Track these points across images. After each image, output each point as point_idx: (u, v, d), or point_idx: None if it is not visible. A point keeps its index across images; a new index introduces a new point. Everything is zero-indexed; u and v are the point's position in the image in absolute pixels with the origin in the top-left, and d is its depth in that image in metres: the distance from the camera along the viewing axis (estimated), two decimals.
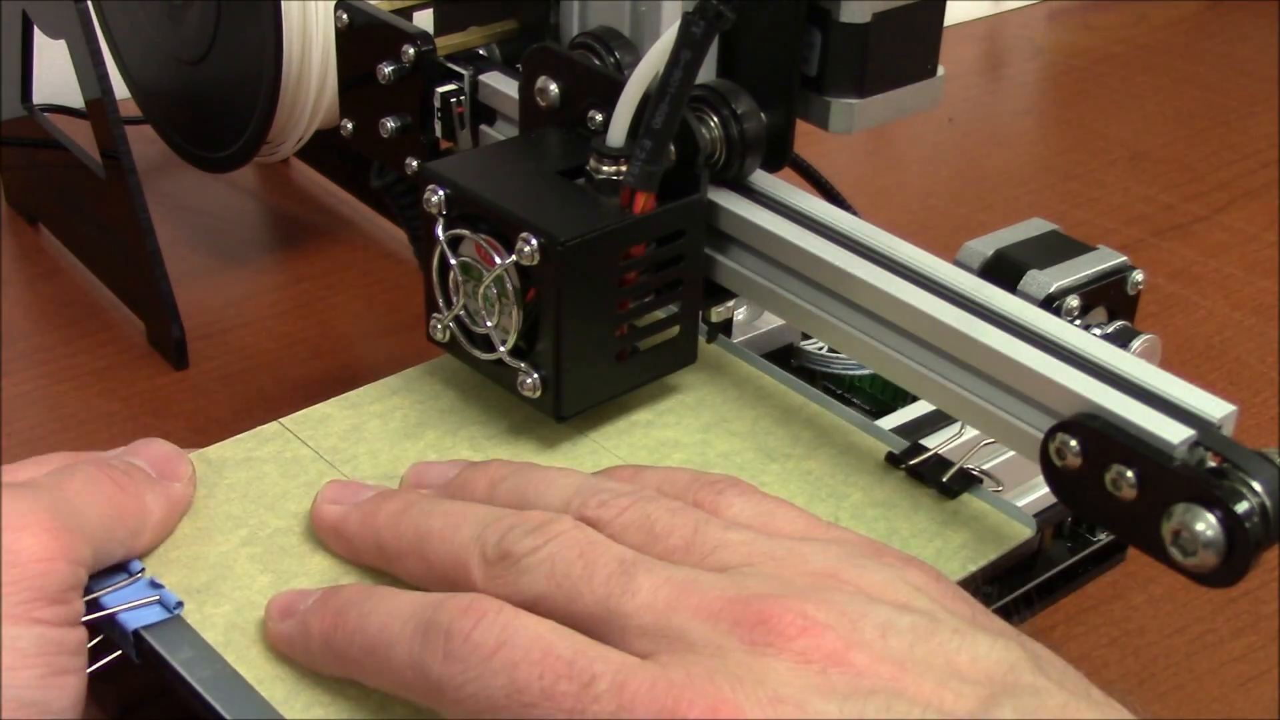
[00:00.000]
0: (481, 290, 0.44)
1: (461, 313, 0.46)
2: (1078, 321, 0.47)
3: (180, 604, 0.40)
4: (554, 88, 0.48)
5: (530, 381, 0.44)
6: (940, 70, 0.51)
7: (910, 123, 0.83)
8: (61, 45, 0.69)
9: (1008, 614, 0.54)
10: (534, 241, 0.42)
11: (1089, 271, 0.48)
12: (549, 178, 0.46)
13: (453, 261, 0.45)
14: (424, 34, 0.52)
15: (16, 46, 0.74)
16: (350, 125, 0.55)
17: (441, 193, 0.45)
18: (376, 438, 0.46)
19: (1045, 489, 0.48)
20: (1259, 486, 0.35)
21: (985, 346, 0.41)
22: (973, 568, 0.42)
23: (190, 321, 0.69)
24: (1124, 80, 1.04)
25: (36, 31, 0.73)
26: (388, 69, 0.52)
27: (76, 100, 0.71)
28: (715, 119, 0.47)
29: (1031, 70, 1.06)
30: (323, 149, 0.75)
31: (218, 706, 0.37)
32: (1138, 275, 0.49)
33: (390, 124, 0.53)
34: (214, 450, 0.46)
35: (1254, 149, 0.95)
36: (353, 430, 0.47)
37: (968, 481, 0.45)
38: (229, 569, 0.41)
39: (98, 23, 0.70)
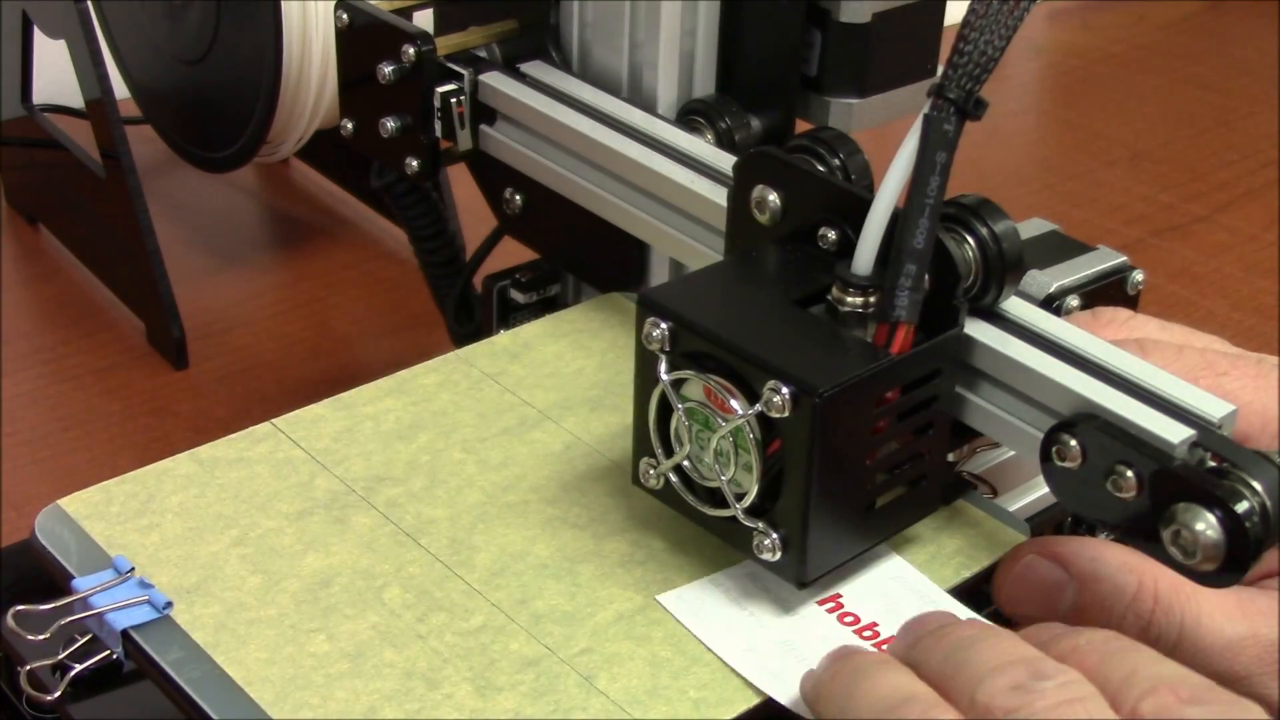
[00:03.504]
0: (715, 443, 0.39)
1: (683, 461, 0.41)
2: None
3: (169, 604, 0.40)
4: (774, 199, 0.43)
5: (769, 542, 0.39)
6: (940, 70, 0.51)
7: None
8: (61, 45, 0.69)
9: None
10: (785, 391, 0.37)
11: (1089, 271, 0.48)
12: (785, 309, 0.40)
13: (679, 407, 0.40)
14: (424, 34, 0.52)
15: (16, 46, 0.74)
16: (350, 125, 0.55)
17: (664, 326, 0.39)
18: (369, 439, 0.46)
19: (1038, 493, 0.48)
20: (1259, 486, 0.35)
21: (985, 346, 0.41)
22: (966, 573, 0.42)
23: (190, 321, 0.69)
24: (1124, 80, 1.04)
25: (36, 31, 0.73)
26: (388, 69, 0.52)
27: (76, 100, 0.71)
28: (972, 239, 0.41)
29: (1031, 70, 1.06)
30: (323, 149, 0.75)
31: (206, 707, 0.37)
32: (1138, 275, 0.49)
33: (390, 124, 0.53)
34: (206, 450, 0.46)
35: (1254, 149, 0.95)
36: (345, 432, 0.46)
37: (962, 487, 0.44)
38: (219, 569, 0.41)
39: (98, 23, 0.70)
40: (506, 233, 0.57)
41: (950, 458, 0.43)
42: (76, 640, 0.42)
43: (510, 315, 0.58)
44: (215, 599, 0.40)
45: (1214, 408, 0.38)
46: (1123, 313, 0.44)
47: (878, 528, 0.41)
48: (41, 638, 0.40)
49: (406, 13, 0.54)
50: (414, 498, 0.44)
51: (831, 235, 0.42)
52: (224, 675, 0.38)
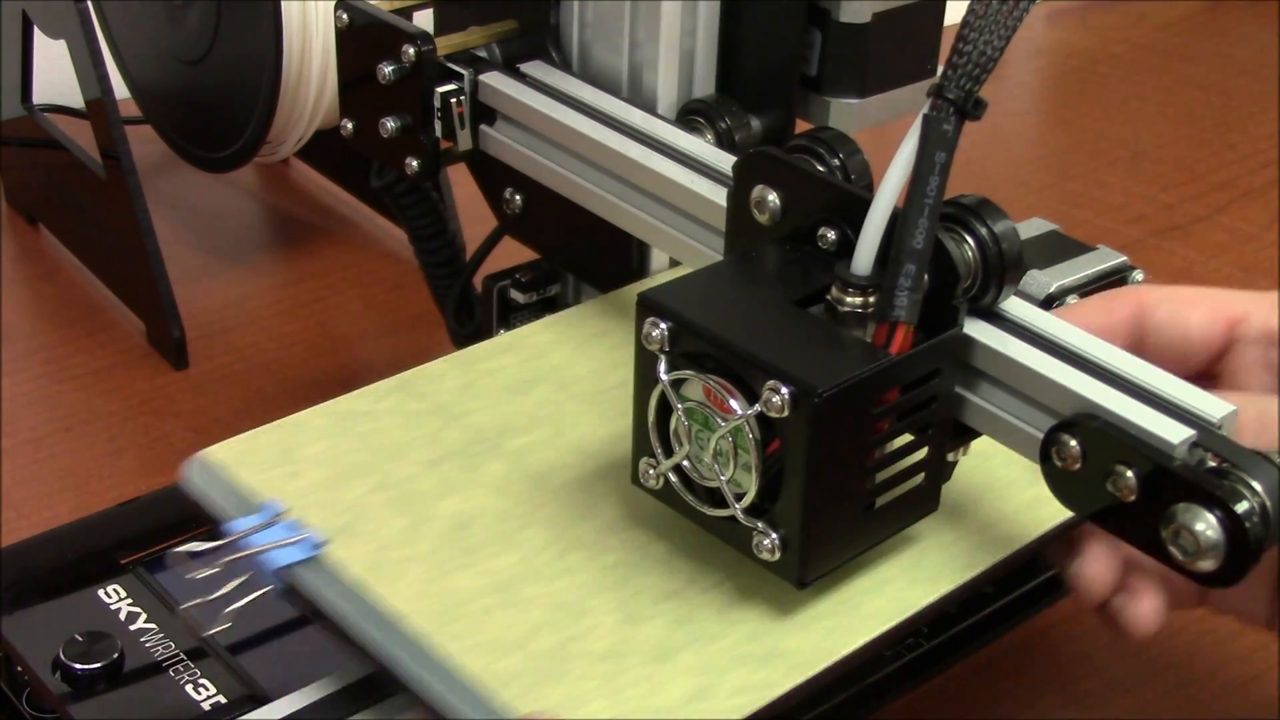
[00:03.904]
0: (714, 443, 0.39)
1: (683, 461, 0.41)
2: None
3: (323, 543, 0.42)
4: (774, 199, 0.43)
5: (769, 543, 0.39)
6: (940, 70, 0.51)
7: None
8: (61, 45, 0.69)
9: (1008, 614, 0.54)
10: (784, 391, 0.37)
11: (1089, 271, 0.48)
12: (785, 309, 0.40)
13: (679, 407, 0.40)
14: (424, 34, 0.52)
15: (16, 46, 0.74)
16: (350, 125, 0.55)
17: (664, 326, 0.39)
18: (488, 393, 0.48)
19: None
20: (1259, 486, 0.35)
21: (985, 346, 0.41)
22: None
23: (190, 321, 0.69)
24: (1124, 80, 1.04)
25: (36, 31, 0.73)
26: (388, 69, 0.52)
27: (76, 100, 0.71)
28: (971, 239, 0.40)
29: (1031, 70, 1.06)
30: (323, 149, 0.75)
31: (370, 636, 0.40)
32: (1138, 275, 0.49)
33: (390, 124, 0.53)
34: (336, 404, 0.48)
35: (1254, 149, 0.95)
36: (465, 386, 0.48)
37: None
38: (364, 513, 0.43)
39: (98, 23, 0.70)
40: (506, 233, 0.57)
41: (950, 458, 0.43)
42: (236, 577, 0.43)
43: (510, 315, 0.58)
44: (364, 539, 0.42)
45: (1214, 408, 0.38)
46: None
47: (877, 528, 0.41)
48: (208, 573, 0.42)
49: (406, 13, 0.54)
50: (540, 446, 0.46)
51: (831, 235, 0.42)
52: (382, 607, 0.40)
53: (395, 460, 0.45)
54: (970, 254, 0.40)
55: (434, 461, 0.45)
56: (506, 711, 0.37)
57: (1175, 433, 0.37)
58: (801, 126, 0.49)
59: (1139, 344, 0.44)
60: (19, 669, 0.45)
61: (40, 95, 0.77)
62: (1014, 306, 0.41)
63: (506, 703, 0.38)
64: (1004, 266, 0.40)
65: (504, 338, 0.50)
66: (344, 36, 0.54)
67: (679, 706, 0.38)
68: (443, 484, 0.44)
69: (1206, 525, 0.35)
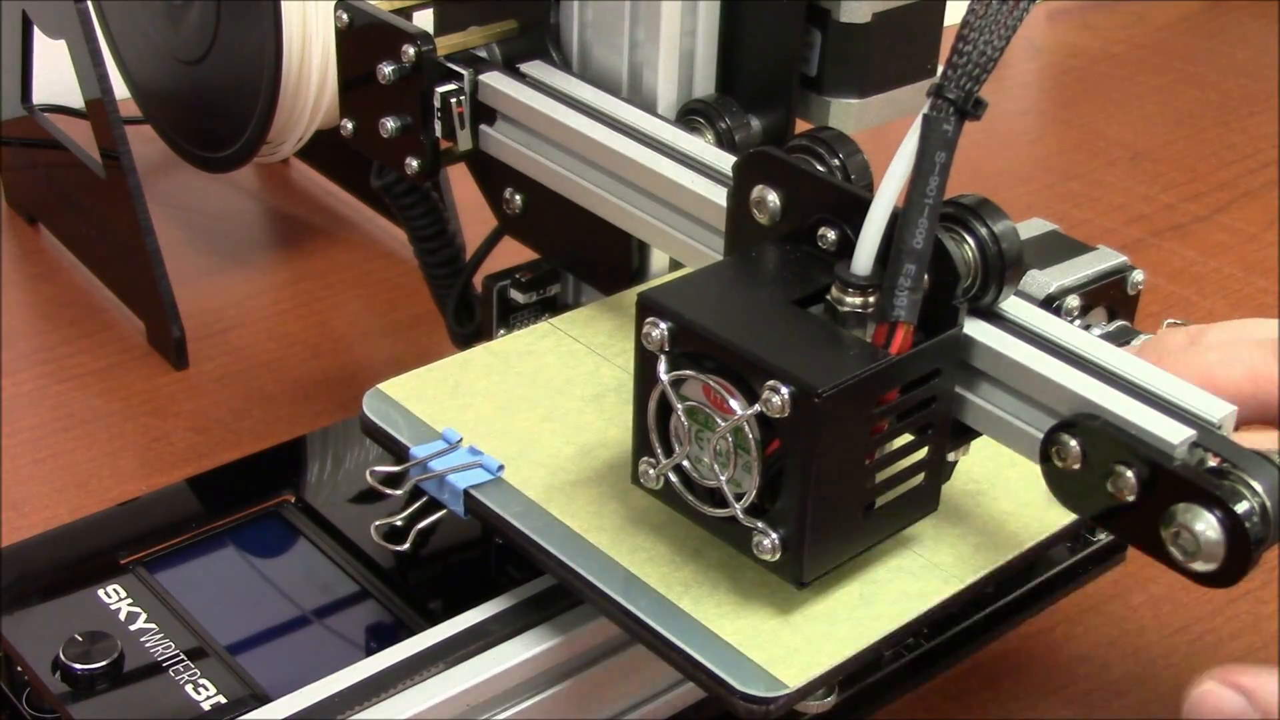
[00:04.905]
0: (715, 443, 0.39)
1: (683, 460, 0.41)
2: (1078, 321, 0.47)
3: (501, 467, 0.45)
4: (774, 199, 0.43)
5: (769, 543, 0.39)
6: (940, 70, 0.51)
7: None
8: (61, 45, 0.69)
9: (1008, 614, 0.54)
10: (785, 391, 0.37)
11: (1089, 271, 0.48)
12: (785, 309, 0.40)
13: (679, 407, 0.40)
14: (424, 34, 0.52)
15: (16, 46, 0.74)
16: (350, 125, 0.55)
17: (664, 326, 0.39)
18: None
19: None
20: (1259, 486, 0.35)
21: (985, 346, 0.41)
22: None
23: (190, 321, 0.69)
24: (1124, 80, 1.04)
25: (36, 31, 0.73)
26: (388, 69, 0.52)
27: (76, 100, 0.71)
28: (971, 239, 0.40)
29: (1031, 70, 1.06)
30: (323, 149, 0.75)
31: (554, 551, 0.42)
32: (1138, 275, 0.49)
33: (390, 124, 0.53)
34: (497, 344, 0.50)
35: (1254, 149, 0.95)
36: (618, 329, 0.50)
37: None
38: (535, 441, 0.46)
39: (98, 23, 0.70)
40: (506, 233, 0.57)
41: (950, 458, 0.43)
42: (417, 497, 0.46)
43: (510, 315, 0.58)
44: (538, 465, 0.45)
45: (1214, 408, 0.38)
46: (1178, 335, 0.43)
47: (877, 528, 0.41)
48: (399, 491, 0.45)
49: (406, 13, 0.54)
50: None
51: (831, 235, 0.42)
52: (563, 524, 0.43)
53: (558, 395, 0.48)
54: (970, 254, 0.40)
55: (595, 396, 0.48)
56: (686, 616, 0.40)
57: (1175, 433, 0.37)
58: (801, 126, 0.49)
59: None
60: (19, 669, 0.45)
61: (40, 95, 0.77)
62: (1014, 306, 0.41)
63: (686, 609, 0.40)
64: (1004, 266, 0.40)
65: (659, 283, 0.50)
66: (344, 36, 0.54)
67: (847, 610, 0.41)
68: (605, 416, 0.47)
69: (1206, 525, 0.35)
